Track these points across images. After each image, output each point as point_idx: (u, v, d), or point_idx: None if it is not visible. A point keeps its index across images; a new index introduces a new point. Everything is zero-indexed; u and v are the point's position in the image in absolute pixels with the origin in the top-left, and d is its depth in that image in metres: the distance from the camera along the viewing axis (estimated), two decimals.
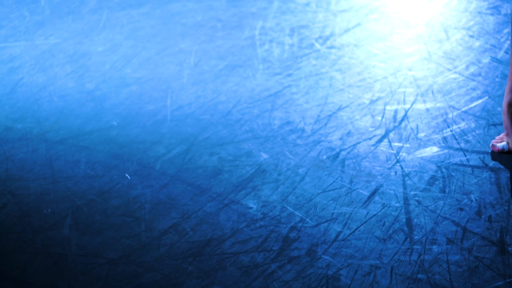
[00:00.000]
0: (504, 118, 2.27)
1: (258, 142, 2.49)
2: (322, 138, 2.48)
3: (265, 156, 2.41)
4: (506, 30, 3.19)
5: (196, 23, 3.56)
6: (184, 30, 3.49)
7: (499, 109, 2.55)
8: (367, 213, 2.09)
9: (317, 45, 3.19)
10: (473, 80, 2.77)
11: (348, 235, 2.00)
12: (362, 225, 2.04)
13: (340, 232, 2.02)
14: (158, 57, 3.21)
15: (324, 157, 2.37)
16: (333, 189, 2.21)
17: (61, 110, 2.82)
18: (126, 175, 2.37)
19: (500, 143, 2.31)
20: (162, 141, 2.55)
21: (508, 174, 2.20)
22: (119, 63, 3.17)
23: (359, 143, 2.44)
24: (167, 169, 2.39)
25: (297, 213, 2.11)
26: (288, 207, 2.14)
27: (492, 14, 3.39)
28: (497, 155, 2.30)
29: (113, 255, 1.99)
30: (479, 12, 3.43)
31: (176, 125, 2.64)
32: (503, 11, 3.41)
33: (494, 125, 2.46)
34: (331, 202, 2.15)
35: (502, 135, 2.35)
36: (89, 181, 2.35)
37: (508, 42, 3.08)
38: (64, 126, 2.69)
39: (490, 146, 2.32)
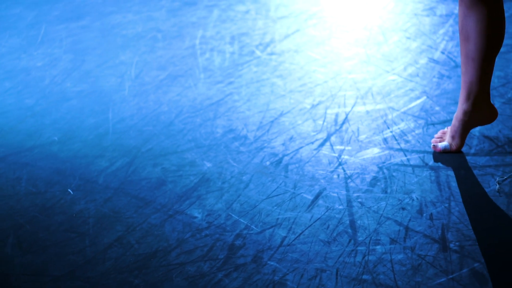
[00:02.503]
0: (455, 123, 2.27)
1: (202, 151, 2.49)
2: (265, 144, 2.49)
3: (208, 164, 2.41)
4: (442, 31, 3.26)
5: (136, 34, 3.55)
6: (124, 41, 3.47)
7: (437, 108, 2.59)
8: (311, 217, 2.10)
9: (258, 52, 3.20)
10: (411, 81, 2.82)
11: (293, 240, 2.01)
12: (306, 229, 2.05)
13: (285, 237, 2.03)
14: (99, 70, 3.19)
15: (268, 163, 2.38)
16: (277, 195, 2.22)
17: (1, 127, 2.77)
18: (69, 190, 2.34)
19: (441, 143, 2.35)
20: (105, 155, 2.53)
21: (448, 172, 2.24)
22: (58, 77, 3.14)
23: (301, 147, 2.45)
24: (110, 182, 2.37)
25: (242, 221, 2.12)
26: (233, 215, 2.14)
27: (428, 16, 3.45)
28: (436, 154, 2.34)
29: (58, 272, 1.97)
30: (415, 14, 3.49)
31: (118, 138, 2.62)
32: (438, 12, 3.47)
33: (433, 124, 2.51)
34: (275, 207, 2.16)
35: (440, 133, 2.39)
36: (31, 198, 2.32)
37: (445, 42, 3.14)
38: (4, 143, 2.65)
39: (432, 146, 2.36)
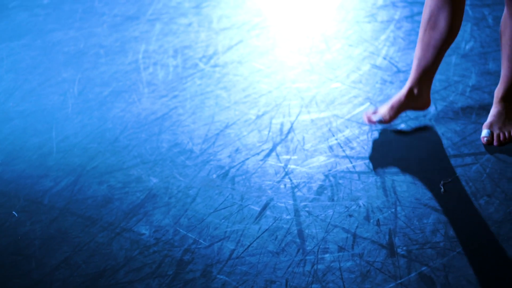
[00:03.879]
0: (397, 101, 2.47)
1: (147, 166, 2.47)
2: (211, 157, 2.48)
3: (155, 180, 2.39)
4: (383, 37, 3.29)
5: (79, 51, 3.51)
6: (67, 59, 3.43)
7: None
8: (259, 228, 2.10)
9: (201, 65, 3.19)
10: (354, 88, 2.84)
11: (242, 252, 2.01)
12: (255, 241, 2.05)
13: (234, 250, 2.02)
14: (41, 89, 3.14)
15: (214, 176, 2.37)
16: (225, 207, 2.21)
17: None
18: (13, 212, 2.30)
19: (375, 115, 2.43)
20: (49, 174, 2.49)
21: (393, 177, 2.26)
22: (0, 97, 3.08)
23: (247, 159, 2.45)
24: (56, 202, 2.33)
25: (190, 235, 2.10)
26: (180, 230, 2.13)
27: (369, 22, 3.49)
28: (380, 159, 2.36)
29: None
30: (357, 21, 3.52)
31: (63, 157, 2.59)
32: (379, 19, 3.51)
33: (377, 130, 2.53)
34: (223, 220, 2.15)
35: (375, 110, 2.47)
36: None
37: (386, 48, 3.18)
38: None
39: (365, 118, 2.45)
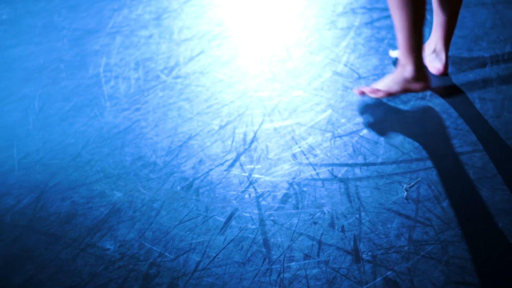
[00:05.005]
0: (399, 77, 2.50)
1: (111, 181, 2.45)
2: (175, 169, 2.47)
3: (118, 194, 2.37)
4: (343, 44, 3.31)
5: (39, 66, 3.48)
6: (26, 74, 3.40)
7: (342, 120, 2.63)
8: (225, 239, 2.09)
9: (163, 76, 3.18)
10: (316, 95, 2.85)
11: (208, 264, 2.00)
12: (220, 251, 2.04)
13: (200, 261, 2.01)
14: (1, 105, 3.10)
15: (178, 188, 2.36)
16: (190, 219, 2.20)
17: None
18: None
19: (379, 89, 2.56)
20: (11, 192, 2.46)
21: (357, 183, 2.27)
22: None
23: (211, 170, 2.44)
24: (18, 220, 2.31)
25: (156, 248, 2.09)
26: (146, 244, 2.11)
27: (329, 29, 3.50)
28: (343, 165, 2.37)
29: None
30: (318, 29, 3.54)
31: (24, 174, 2.56)
32: (339, 26, 3.53)
33: (340, 136, 2.54)
34: (188, 232, 2.14)
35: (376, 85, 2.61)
36: None
37: (347, 55, 3.19)
38: None
39: (371, 92, 2.58)
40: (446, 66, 2.83)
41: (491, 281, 1.83)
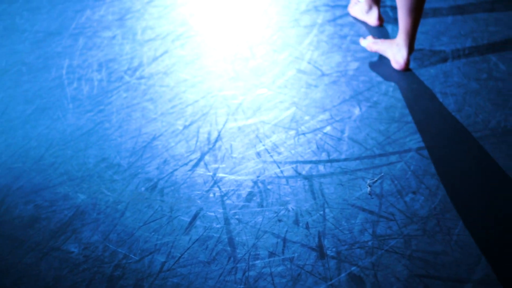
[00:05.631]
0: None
1: (74, 183, 2.43)
2: (139, 170, 2.46)
3: (82, 197, 2.35)
4: (307, 41, 3.32)
5: (0, 69, 3.44)
6: None
7: (306, 117, 2.64)
8: (190, 239, 2.09)
9: (127, 77, 3.17)
10: (280, 93, 2.86)
11: (173, 264, 1.99)
12: (185, 251, 2.04)
13: (165, 262, 2.01)
14: None
15: (143, 189, 2.35)
16: (154, 220, 2.19)
17: None
18: None
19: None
20: None
21: (321, 180, 2.28)
22: None
23: (176, 170, 2.44)
24: None
25: (120, 250, 2.08)
26: (110, 246, 2.10)
27: (293, 27, 3.51)
28: (307, 162, 2.38)
29: None
30: (281, 27, 3.54)
31: None
32: (302, 23, 3.54)
33: (304, 134, 2.55)
34: (153, 233, 2.13)
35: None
36: None
37: (310, 52, 3.21)
38: None
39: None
40: (407, 61, 2.86)
41: (453, 274, 1.84)
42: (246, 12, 3.82)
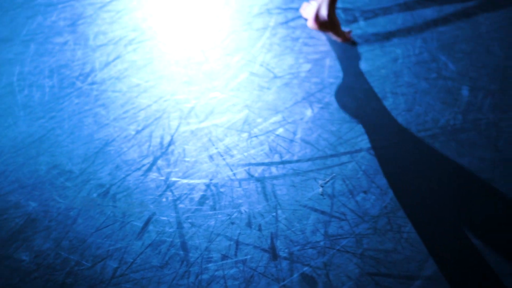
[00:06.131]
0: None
1: (26, 191, 2.41)
2: (91, 176, 2.44)
3: (34, 204, 2.33)
4: (259, 44, 3.33)
5: None
6: None
7: (259, 120, 2.65)
8: (142, 243, 2.08)
9: (78, 83, 3.14)
10: (232, 96, 2.86)
11: (126, 270, 1.98)
12: (138, 256, 2.03)
13: (117, 268, 2.00)
14: None
15: (95, 195, 2.34)
16: (107, 226, 2.18)
17: None
18: None
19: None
20: None
21: (273, 182, 2.29)
22: None
23: (128, 175, 2.43)
24: None
25: (72, 257, 2.06)
26: (62, 253, 2.08)
27: (245, 31, 3.52)
28: (259, 165, 2.38)
29: None
30: (234, 30, 3.55)
31: None
32: (255, 27, 3.55)
33: (256, 136, 2.55)
34: (105, 239, 2.12)
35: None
36: None
37: (263, 55, 3.22)
38: None
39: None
40: (331, 23, 3.06)
41: (404, 271, 1.87)
42: (199, 16, 3.82)
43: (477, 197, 2.16)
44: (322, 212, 2.13)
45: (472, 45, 3.06)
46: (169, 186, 2.34)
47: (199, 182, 2.34)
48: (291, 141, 2.50)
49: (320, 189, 2.23)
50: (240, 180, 2.33)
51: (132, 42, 3.53)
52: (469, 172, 2.27)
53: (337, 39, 3.16)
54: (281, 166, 2.37)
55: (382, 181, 2.24)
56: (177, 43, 3.47)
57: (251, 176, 2.34)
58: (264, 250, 2.00)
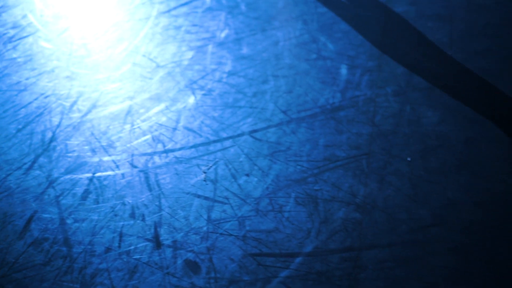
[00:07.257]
0: None
1: None
2: None
3: None
4: (141, 34, 3.31)
5: None
6: None
7: (141, 110, 2.64)
8: (24, 243, 2.05)
9: None
10: (115, 88, 2.84)
11: (7, 270, 1.95)
12: (20, 256, 2.00)
13: None
14: None
15: None
16: None
17: None
18: None
19: None
20: None
21: (156, 171, 2.29)
22: None
23: (9, 175, 2.38)
24: None
25: None
26: None
27: (128, 21, 3.50)
28: (143, 155, 2.38)
29: None
30: (116, 22, 3.52)
31: None
32: (137, 17, 3.53)
33: (139, 127, 2.55)
34: None
35: None
36: None
37: (145, 45, 3.20)
38: None
39: None
40: None
41: (285, 249, 1.91)
42: (81, 8, 3.76)
43: (357, 170, 2.23)
44: (205, 198, 2.15)
45: (352, 24, 3.13)
46: (51, 182, 2.31)
47: (82, 176, 2.32)
48: (174, 129, 2.51)
49: (203, 175, 2.25)
50: (123, 172, 2.32)
51: (11, 40, 3.46)
52: (347, 148, 2.33)
53: None
54: (164, 155, 2.37)
55: (263, 163, 2.28)
56: (58, 38, 3.42)
57: (134, 167, 2.34)
58: (148, 240, 2.00)
